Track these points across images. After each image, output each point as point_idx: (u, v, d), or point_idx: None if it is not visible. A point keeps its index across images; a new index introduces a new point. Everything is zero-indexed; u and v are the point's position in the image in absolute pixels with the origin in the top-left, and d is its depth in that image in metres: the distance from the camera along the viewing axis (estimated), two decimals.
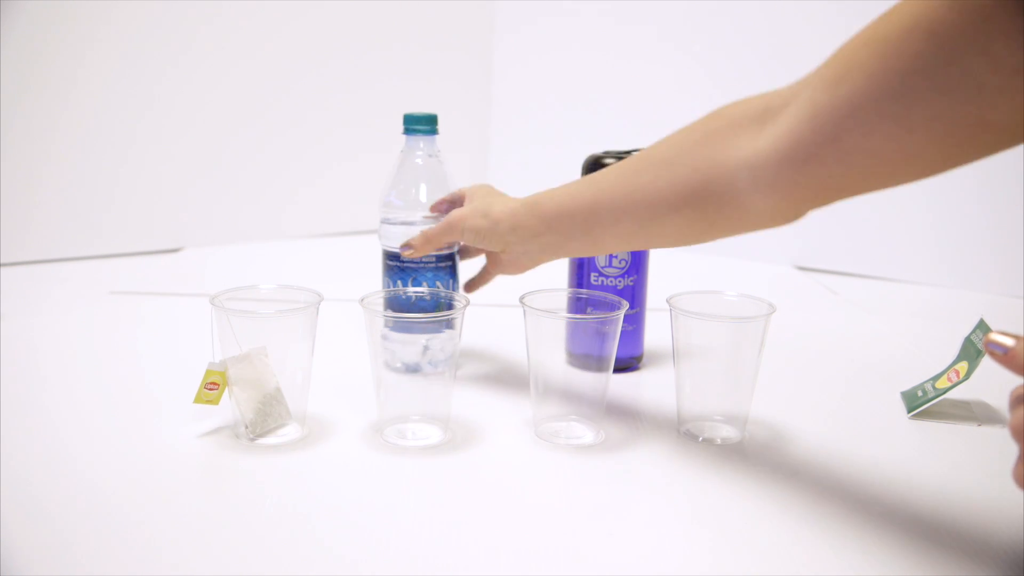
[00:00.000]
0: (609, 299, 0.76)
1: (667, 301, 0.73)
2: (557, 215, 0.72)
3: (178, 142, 1.47)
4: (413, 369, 0.83)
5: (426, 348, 0.82)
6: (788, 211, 0.59)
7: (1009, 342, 0.47)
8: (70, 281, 1.27)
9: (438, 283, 0.84)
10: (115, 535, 0.56)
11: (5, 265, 1.32)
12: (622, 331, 0.73)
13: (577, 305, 0.79)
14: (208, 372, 0.70)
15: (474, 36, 1.72)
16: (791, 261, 1.46)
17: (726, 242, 0.67)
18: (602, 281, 0.87)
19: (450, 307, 0.78)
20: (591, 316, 0.76)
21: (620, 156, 0.88)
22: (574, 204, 0.71)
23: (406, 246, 0.83)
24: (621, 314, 0.71)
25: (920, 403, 0.79)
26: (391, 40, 1.63)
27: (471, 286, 0.88)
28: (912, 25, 0.47)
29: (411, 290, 0.83)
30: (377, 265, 0.88)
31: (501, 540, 0.57)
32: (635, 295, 0.88)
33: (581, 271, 0.88)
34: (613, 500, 0.63)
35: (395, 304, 0.82)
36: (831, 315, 1.17)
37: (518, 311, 0.72)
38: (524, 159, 1.72)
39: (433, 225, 0.82)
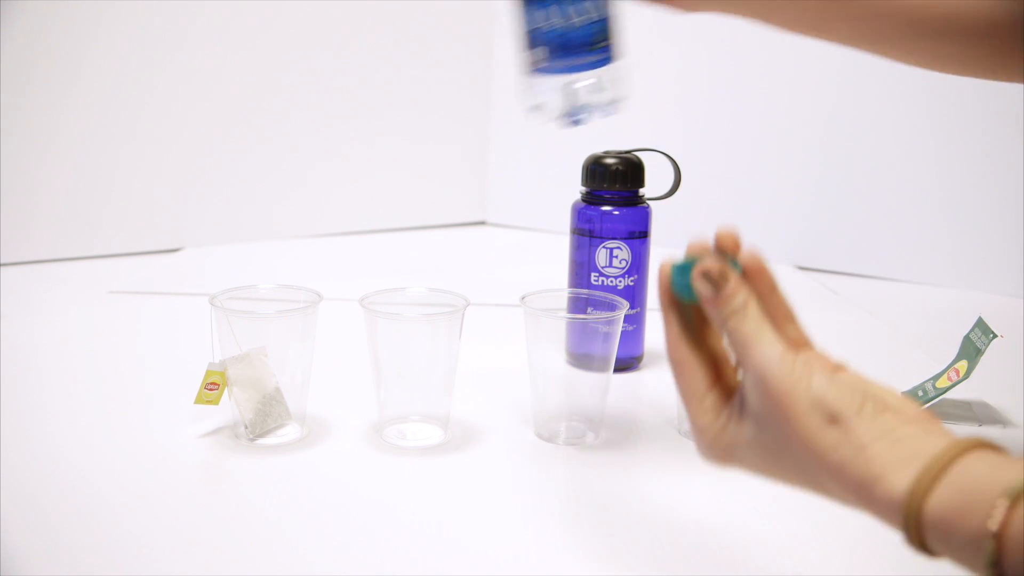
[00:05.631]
0: (609, 299, 0.76)
1: None
2: None
3: (177, 142, 1.47)
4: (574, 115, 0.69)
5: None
6: None
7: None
8: (70, 281, 1.27)
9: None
10: (115, 535, 0.56)
11: (5, 265, 1.32)
12: (622, 331, 0.73)
13: (577, 305, 0.79)
14: (208, 372, 0.70)
15: (474, 36, 1.72)
16: (791, 261, 1.45)
17: None
18: (602, 281, 0.87)
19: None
20: (591, 316, 0.76)
21: (620, 156, 0.88)
22: None
23: None
24: (621, 314, 0.71)
25: (920, 403, 0.79)
26: (391, 40, 1.63)
27: None
28: None
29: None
30: (376, 265, 0.88)
31: (501, 540, 0.57)
32: (635, 295, 0.88)
33: (581, 271, 0.88)
34: (613, 500, 0.63)
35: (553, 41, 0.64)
36: (831, 315, 1.17)
37: (518, 311, 0.71)
38: (524, 159, 1.72)
39: None
